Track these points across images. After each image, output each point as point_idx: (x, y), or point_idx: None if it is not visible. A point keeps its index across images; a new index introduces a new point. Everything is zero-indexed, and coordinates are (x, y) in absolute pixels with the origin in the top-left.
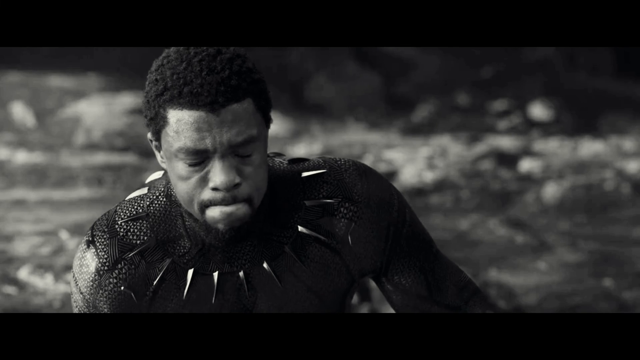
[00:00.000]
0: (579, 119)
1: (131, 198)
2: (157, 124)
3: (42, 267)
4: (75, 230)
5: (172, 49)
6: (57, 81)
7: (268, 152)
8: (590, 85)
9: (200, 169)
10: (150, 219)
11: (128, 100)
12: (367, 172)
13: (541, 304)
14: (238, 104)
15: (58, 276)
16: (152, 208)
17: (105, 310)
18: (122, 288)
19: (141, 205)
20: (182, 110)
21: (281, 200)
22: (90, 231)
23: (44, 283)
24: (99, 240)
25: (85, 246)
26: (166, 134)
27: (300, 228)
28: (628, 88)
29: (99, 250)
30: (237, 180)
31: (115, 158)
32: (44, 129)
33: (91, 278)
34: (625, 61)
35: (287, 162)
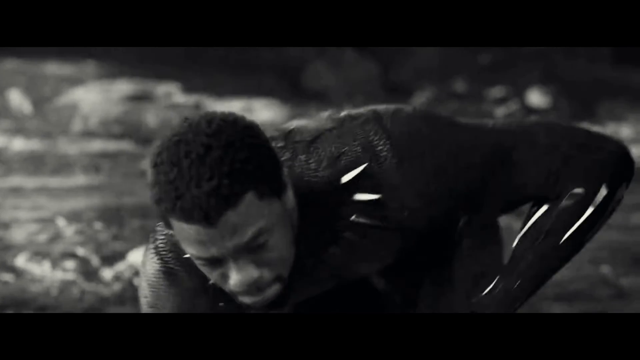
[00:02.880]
0: (576, 106)
1: None
2: (165, 223)
3: (39, 254)
4: (72, 217)
5: (166, 140)
6: (53, 68)
7: (285, 153)
8: (588, 72)
9: (218, 267)
10: None
11: (125, 87)
12: (407, 147)
13: (540, 291)
14: (234, 210)
15: (55, 263)
16: None
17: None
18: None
19: None
20: (180, 222)
21: (319, 225)
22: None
23: (41, 270)
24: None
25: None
26: (175, 235)
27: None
28: (626, 75)
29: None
30: (255, 275)
31: (112, 145)
32: (41, 116)
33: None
34: (623, 48)
35: (316, 166)
